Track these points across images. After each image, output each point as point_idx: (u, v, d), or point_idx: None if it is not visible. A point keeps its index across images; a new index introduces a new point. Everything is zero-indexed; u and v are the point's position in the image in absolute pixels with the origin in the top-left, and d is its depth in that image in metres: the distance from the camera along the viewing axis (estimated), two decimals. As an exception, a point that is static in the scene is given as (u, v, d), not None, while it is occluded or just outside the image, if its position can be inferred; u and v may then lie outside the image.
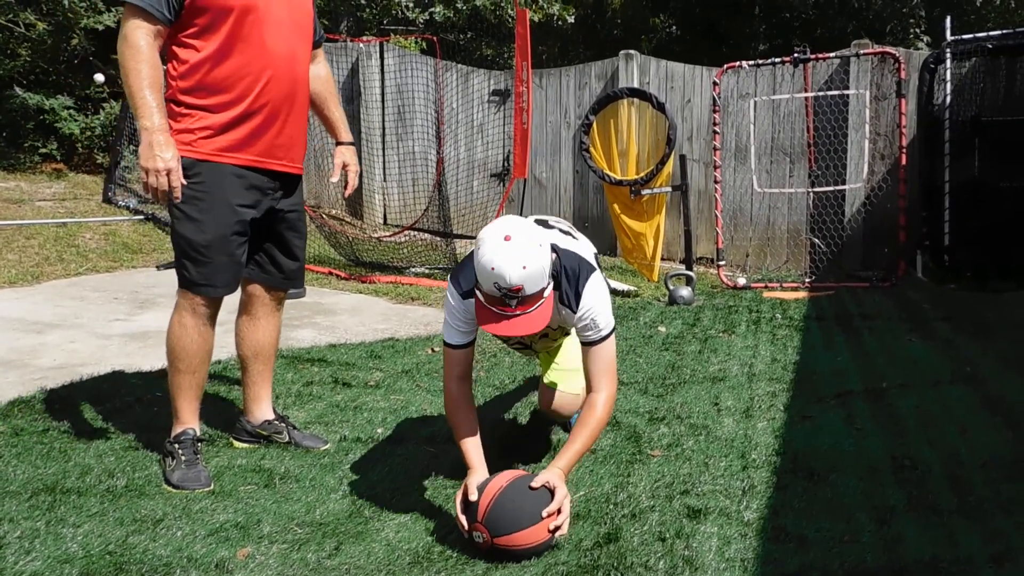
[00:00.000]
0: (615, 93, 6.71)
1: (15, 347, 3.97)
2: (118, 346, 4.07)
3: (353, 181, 2.86)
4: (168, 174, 2.28)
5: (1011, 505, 2.26)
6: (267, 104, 2.47)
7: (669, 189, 6.38)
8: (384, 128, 8.74)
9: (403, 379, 3.61)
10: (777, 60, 6.74)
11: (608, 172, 6.53)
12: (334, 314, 5.04)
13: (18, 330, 4.30)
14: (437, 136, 8.39)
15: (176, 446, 2.49)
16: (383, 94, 8.68)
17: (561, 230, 2.40)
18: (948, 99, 6.09)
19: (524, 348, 2.65)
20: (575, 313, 2.20)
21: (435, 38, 8.41)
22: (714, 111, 6.78)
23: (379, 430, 2.95)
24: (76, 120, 8.59)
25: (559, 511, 2.04)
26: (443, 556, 2.02)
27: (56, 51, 8.73)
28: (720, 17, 12.41)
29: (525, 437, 2.90)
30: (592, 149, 6.64)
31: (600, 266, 2.44)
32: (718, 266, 6.61)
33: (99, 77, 8.44)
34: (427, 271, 6.47)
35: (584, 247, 2.39)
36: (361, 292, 5.80)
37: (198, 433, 2.56)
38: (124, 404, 3.12)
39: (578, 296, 2.18)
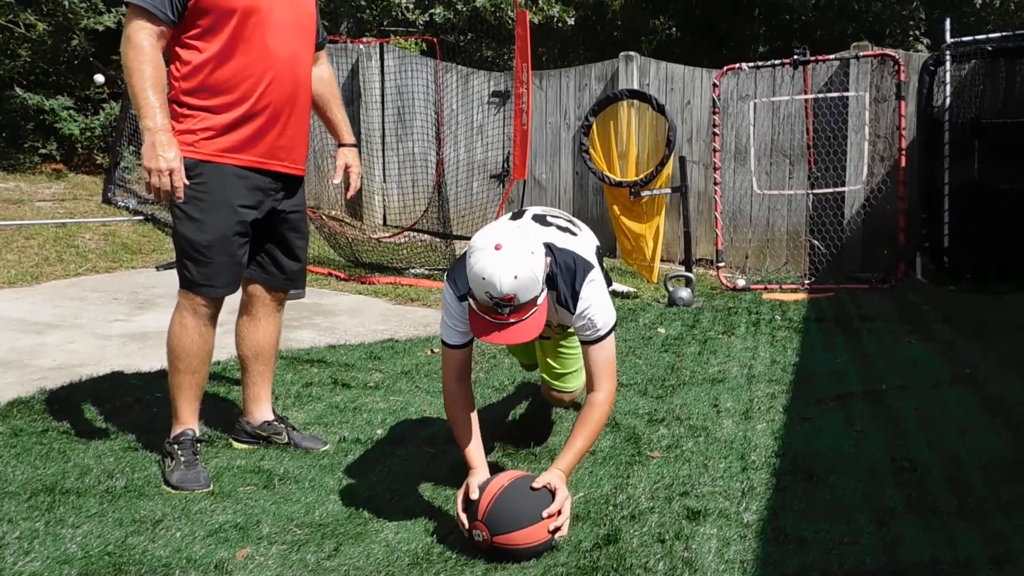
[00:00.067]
0: (615, 95, 6.71)
1: (14, 347, 3.97)
2: (117, 346, 4.07)
3: (355, 183, 2.86)
4: (171, 174, 2.28)
5: (1011, 507, 2.26)
6: (269, 105, 2.47)
7: (669, 191, 6.39)
8: (384, 129, 8.74)
9: (402, 380, 3.60)
10: (777, 62, 6.74)
11: (608, 173, 6.54)
12: (333, 315, 5.04)
13: (17, 330, 4.30)
14: (437, 137, 8.39)
15: (175, 447, 2.49)
16: (383, 95, 8.68)
17: (559, 226, 2.36)
18: (948, 101, 6.09)
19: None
20: (572, 313, 2.18)
21: (435, 39, 8.42)
22: (714, 113, 6.78)
23: (378, 431, 2.95)
24: (76, 121, 8.59)
25: (559, 512, 2.04)
26: (442, 557, 2.02)
27: (56, 52, 8.73)
28: (720, 19, 12.41)
29: (525, 438, 2.90)
30: (592, 150, 6.64)
31: (602, 260, 2.43)
32: (717, 267, 6.61)
33: (99, 78, 8.44)
34: (427, 272, 6.47)
35: (584, 241, 2.36)
36: (361, 293, 5.80)
37: (197, 434, 2.56)
38: (123, 405, 3.12)
39: (575, 295, 2.17)
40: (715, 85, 6.80)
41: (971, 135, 6.12)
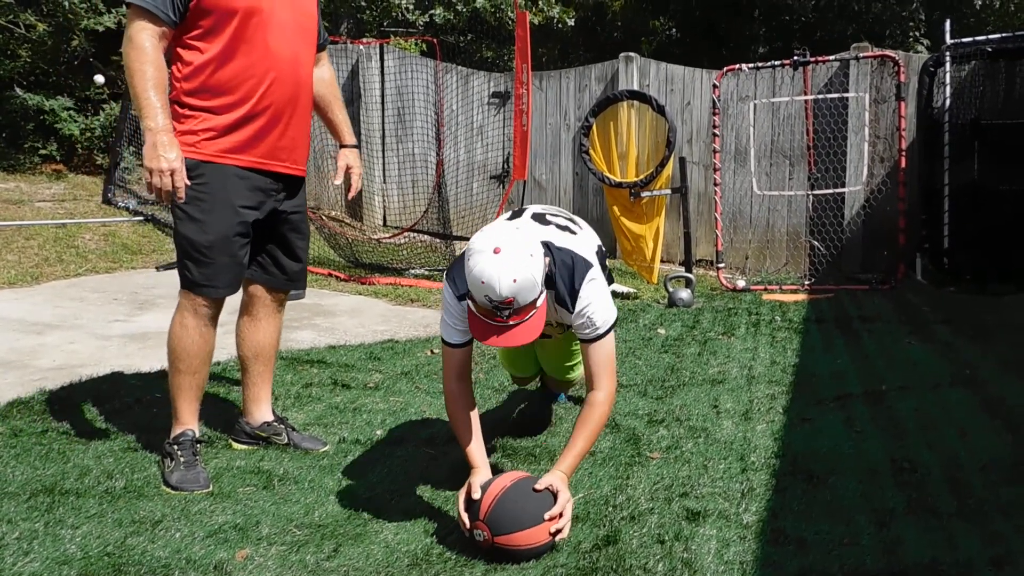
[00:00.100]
0: (615, 95, 6.72)
1: (14, 348, 3.96)
2: (117, 347, 4.07)
3: (356, 184, 2.86)
4: (172, 174, 2.28)
5: (1011, 508, 2.26)
6: (270, 106, 2.47)
7: (669, 191, 6.39)
8: (384, 130, 8.74)
9: (402, 381, 3.60)
10: (777, 63, 6.75)
11: (608, 174, 6.54)
12: (333, 315, 5.04)
13: (17, 331, 4.30)
14: (437, 138, 8.39)
15: (175, 447, 2.49)
16: (383, 96, 8.68)
17: (559, 225, 2.35)
18: (947, 102, 6.09)
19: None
20: (571, 312, 2.18)
21: (435, 40, 8.42)
22: (714, 114, 6.78)
23: (378, 432, 2.95)
24: (76, 121, 8.59)
25: (561, 514, 2.04)
26: (442, 558, 2.02)
27: (56, 52, 8.74)
28: (720, 20, 12.42)
29: (525, 437, 2.90)
30: (592, 151, 6.65)
31: (604, 259, 2.43)
32: (717, 268, 6.61)
33: (99, 78, 8.44)
34: (427, 273, 6.47)
35: (585, 240, 2.36)
36: (360, 294, 5.80)
37: (197, 434, 2.56)
38: (123, 405, 3.12)
39: (574, 295, 2.17)
40: (715, 86, 6.80)
41: (971, 136, 6.13)
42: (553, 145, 8.08)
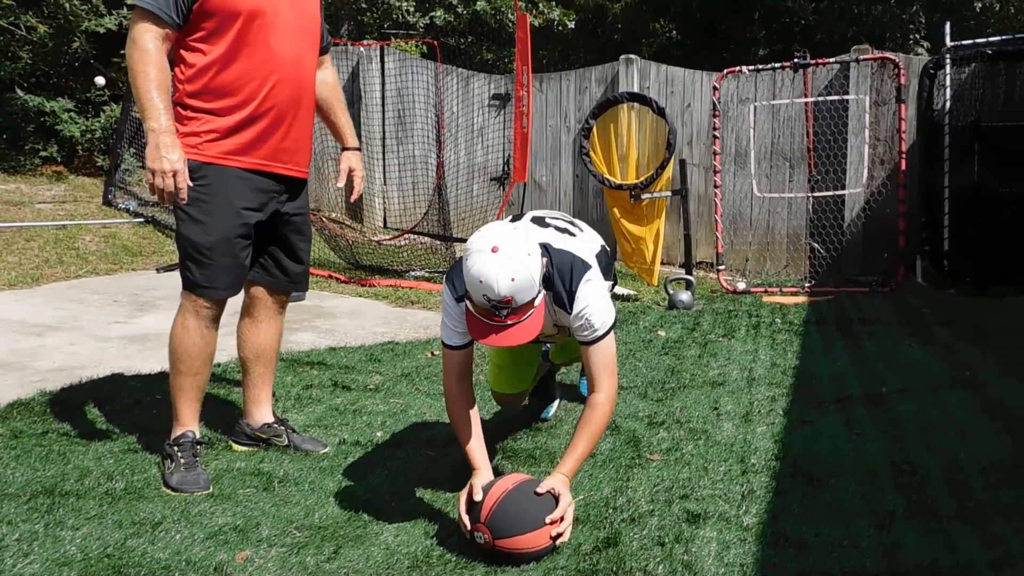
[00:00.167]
0: (615, 98, 6.72)
1: (14, 349, 3.97)
2: (117, 348, 4.07)
3: (359, 186, 2.87)
4: (174, 175, 2.29)
5: (1011, 510, 2.26)
6: (273, 108, 2.48)
7: (669, 193, 6.39)
8: (384, 132, 8.75)
9: (402, 382, 3.60)
10: (777, 65, 6.75)
11: (608, 176, 6.54)
12: (334, 317, 5.04)
13: (18, 332, 4.30)
14: (437, 140, 8.40)
15: (175, 448, 2.49)
16: (383, 98, 8.69)
17: (558, 227, 2.36)
18: (948, 104, 6.10)
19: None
20: (570, 313, 2.19)
21: (436, 42, 8.43)
22: (714, 116, 6.79)
23: (378, 434, 2.95)
24: (76, 123, 8.60)
25: (562, 518, 2.04)
26: (442, 560, 2.02)
27: (57, 54, 8.74)
28: (720, 22, 12.42)
29: (527, 441, 2.90)
30: (592, 153, 6.65)
31: (608, 260, 2.43)
32: (718, 270, 6.61)
33: (99, 80, 8.45)
34: (427, 275, 6.47)
35: (585, 242, 2.36)
36: (361, 295, 5.80)
37: (198, 436, 2.56)
38: (123, 406, 3.12)
39: (572, 296, 2.17)
40: (715, 88, 6.80)
41: (971, 139, 6.13)
42: (553, 147, 8.08)
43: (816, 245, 6.79)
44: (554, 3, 10.95)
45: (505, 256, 1.94)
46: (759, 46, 12.54)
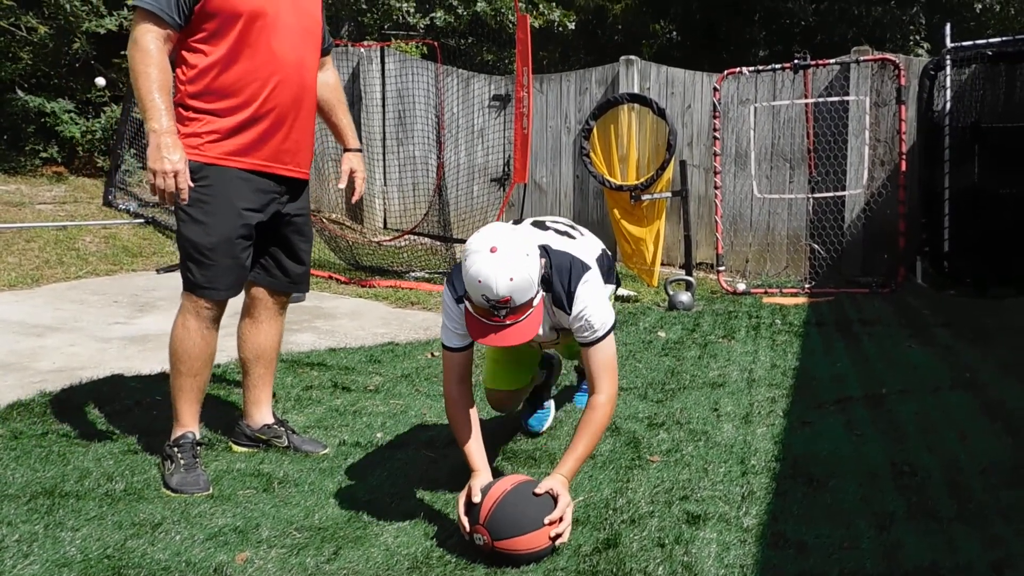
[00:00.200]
0: (615, 99, 6.72)
1: (14, 350, 3.97)
2: (117, 349, 4.07)
3: (360, 188, 2.87)
4: (175, 176, 2.29)
5: (1011, 511, 2.26)
6: (274, 109, 2.48)
7: (669, 194, 6.39)
8: (385, 132, 8.75)
9: (402, 383, 3.60)
10: (777, 66, 6.75)
11: (608, 177, 6.54)
12: (334, 318, 5.04)
13: (18, 333, 4.30)
14: (438, 141, 8.40)
15: (175, 450, 2.49)
16: (384, 99, 8.69)
17: (557, 230, 2.38)
18: (948, 106, 6.10)
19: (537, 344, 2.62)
20: (569, 314, 2.19)
21: (436, 43, 8.43)
22: (714, 117, 6.79)
23: (378, 435, 2.95)
24: (77, 124, 8.60)
25: (561, 519, 2.04)
26: (442, 561, 2.02)
27: (57, 55, 8.75)
28: (720, 23, 12.43)
29: (526, 442, 2.89)
30: (592, 154, 6.65)
31: (609, 263, 2.43)
32: (718, 271, 6.61)
33: (100, 81, 8.46)
34: (427, 275, 6.47)
35: (585, 245, 2.37)
36: (361, 296, 5.80)
37: (198, 437, 2.56)
38: (123, 407, 3.12)
39: (571, 297, 2.18)
40: (715, 89, 6.81)
41: (971, 139, 6.13)
42: (554, 148, 8.08)
43: (816, 246, 6.80)
44: (554, 4, 10.96)
45: (504, 256, 1.95)
46: (759, 47, 12.54)
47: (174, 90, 2.39)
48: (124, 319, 4.77)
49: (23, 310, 4.88)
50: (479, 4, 10.21)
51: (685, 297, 5.61)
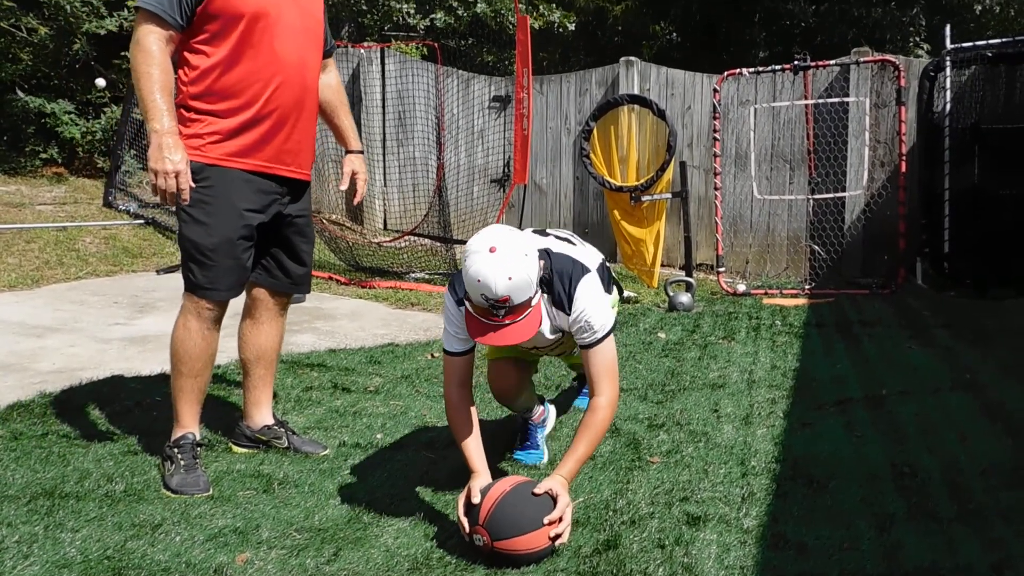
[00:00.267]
0: (615, 100, 6.72)
1: (14, 351, 3.97)
2: (117, 350, 4.07)
3: (362, 189, 2.88)
4: (176, 176, 2.29)
5: (1011, 513, 2.26)
6: (276, 110, 2.48)
7: (669, 195, 6.39)
8: (385, 133, 8.75)
9: (403, 384, 3.60)
10: (777, 67, 6.76)
11: (608, 178, 6.54)
12: (334, 319, 5.04)
13: (18, 334, 4.30)
14: (438, 142, 8.40)
15: (175, 450, 2.49)
16: (384, 100, 8.70)
17: (559, 237, 2.40)
18: (948, 107, 6.10)
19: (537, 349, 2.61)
20: (568, 316, 2.20)
21: (436, 44, 8.44)
22: (714, 118, 6.79)
23: (378, 436, 2.95)
24: (77, 124, 8.61)
25: (560, 519, 2.04)
26: (442, 562, 2.02)
27: (58, 55, 8.75)
28: (721, 24, 12.44)
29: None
30: (592, 155, 6.65)
31: (608, 273, 2.43)
32: (718, 272, 6.61)
33: (100, 82, 8.46)
34: (427, 276, 6.47)
35: (585, 252, 2.38)
36: (361, 297, 5.80)
37: (198, 437, 2.56)
38: (123, 408, 3.12)
39: (571, 298, 2.19)
40: (715, 90, 6.81)
41: (971, 141, 6.14)
42: (554, 149, 8.09)
43: (816, 247, 6.80)
44: (554, 5, 10.97)
45: (502, 256, 1.97)
46: (759, 48, 12.54)
47: (176, 91, 2.40)
48: (124, 320, 4.77)
49: (23, 311, 4.88)
50: (479, 5, 10.21)
51: (685, 298, 5.61)
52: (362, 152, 2.90)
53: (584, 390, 3.28)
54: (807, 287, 6.50)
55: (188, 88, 2.41)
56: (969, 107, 6.19)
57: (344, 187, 2.86)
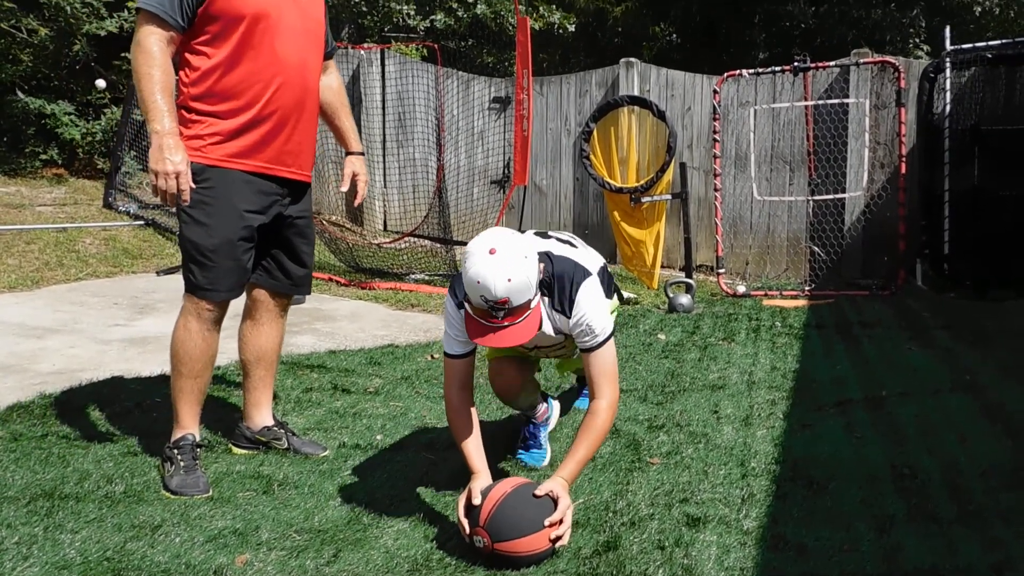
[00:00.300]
0: (615, 101, 6.72)
1: (15, 352, 3.97)
2: (117, 351, 4.07)
3: (363, 191, 2.88)
4: (177, 177, 2.29)
5: (1011, 514, 2.26)
6: (276, 111, 2.48)
7: (669, 197, 6.39)
8: (385, 135, 8.76)
9: (402, 385, 3.60)
10: (777, 68, 6.76)
11: (608, 179, 6.54)
12: (334, 320, 5.04)
13: (18, 335, 4.30)
14: (438, 143, 8.40)
15: (175, 451, 2.48)
16: (384, 101, 8.70)
17: (559, 239, 2.41)
18: (948, 108, 6.10)
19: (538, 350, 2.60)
20: (569, 319, 2.20)
21: (436, 45, 8.44)
22: (714, 119, 6.79)
23: (378, 437, 2.95)
24: (77, 125, 8.61)
25: (561, 521, 2.04)
26: (442, 564, 2.02)
27: (58, 56, 8.76)
28: (721, 25, 12.45)
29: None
30: (592, 156, 6.65)
31: (608, 277, 2.43)
32: (718, 274, 6.61)
33: (100, 83, 8.47)
34: (427, 278, 6.47)
35: (586, 256, 2.39)
36: (361, 298, 5.80)
37: (198, 438, 2.56)
38: (123, 409, 3.12)
39: (571, 302, 2.20)
40: (715, 91, 6.81)
41: (971, 142, 6.14)
42: (554, 150, 8.09)
43: (816, 248, 6.80)
44: (554, 6, 10.98)
45: (502, 258, 1.98)
46: (759, 49, 12.55)
47: (177, 92, 2.40)
48: (124, 321, 4.77)
49: (23, 312, 4.88)
50: (479, 6, 10.22)
51: (685, 299, 5.61)
52: (363, 154, 2.91)
53: (584, 391, 3.29)
54: (807, 288, 6.50)
55: (189, 89, 2.41)
56: (969, 108, 6.19)
57: (344, 188, 2.86)
